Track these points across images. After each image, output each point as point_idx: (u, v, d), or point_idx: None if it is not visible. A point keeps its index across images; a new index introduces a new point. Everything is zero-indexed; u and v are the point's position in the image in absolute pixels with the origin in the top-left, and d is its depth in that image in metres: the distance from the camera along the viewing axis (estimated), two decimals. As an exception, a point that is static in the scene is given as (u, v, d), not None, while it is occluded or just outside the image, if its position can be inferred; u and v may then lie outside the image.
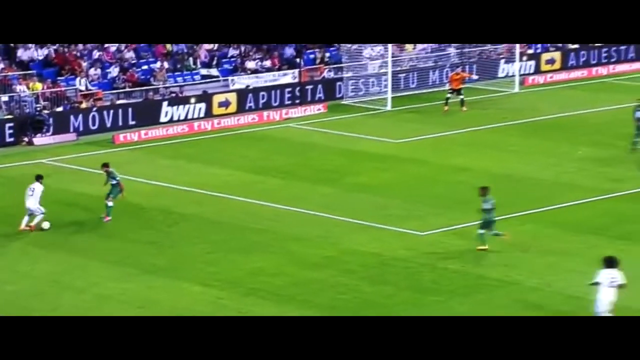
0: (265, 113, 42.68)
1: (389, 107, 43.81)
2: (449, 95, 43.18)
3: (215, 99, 42.87)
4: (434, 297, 24.43)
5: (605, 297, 21.33)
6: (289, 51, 46.96)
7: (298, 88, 44.38)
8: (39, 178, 29.38)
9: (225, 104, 42.97)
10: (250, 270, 26.25)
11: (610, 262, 21.53)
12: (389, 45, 44.56)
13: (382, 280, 25.57)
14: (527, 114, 42.02)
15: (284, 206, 30.94)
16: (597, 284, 21.50)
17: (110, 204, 29.61)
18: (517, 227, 28.63)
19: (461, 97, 42.96)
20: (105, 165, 30.30)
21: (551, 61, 50.19)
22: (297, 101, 44.02)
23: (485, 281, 25.46)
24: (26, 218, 28.85)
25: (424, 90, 45.94)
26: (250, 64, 45.74)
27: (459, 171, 34.65)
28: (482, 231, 26.98)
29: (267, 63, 46.03)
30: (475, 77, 44.75)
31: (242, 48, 46.60)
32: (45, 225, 28.96)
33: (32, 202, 28.85)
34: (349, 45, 46.17)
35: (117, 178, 29.90)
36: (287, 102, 43.94)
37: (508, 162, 35.61)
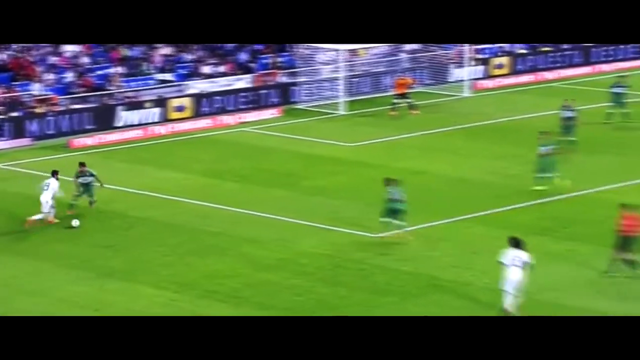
0: (220, 117, 42.57)
1: (342, 111, 43.89)
2: (395, 100, 43.35)
3: (170, 103, 42.69)
4: (387, 298, 24.51)
5: (512, 276, 22.49)
6: (244, 56, 46.89)
7: (253, 93, 44.32)
8: (54, 173, 29.60)
9: (181, 108, 42.80)
10: (205, 272, 26.17)
11: (516, 243, 22.63)
12: (342, 50, 44.65)
13: (336, 281, 25.61)
14: (476, 118, 42.29)
15: (239, 209, 30.88)
16: (502, 263, 22.60)
17: (74, 202, 29.80)
18: (467, 229, 28.79)
19: (409, 101, 43.15)
20: (82, 165, 30.64)
21: (500, 66, 50.56)
22: (252, 105, 43.96)
23: (438, 282, 25.58)
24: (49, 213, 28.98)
25: (378, 95, 46.06)
26: (205, 69, 45.60)
27: (411, 174, 34.76)
28: (386, 219, 27.46)
29: (222, 68, 45.91)
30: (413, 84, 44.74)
31: (198, 53, 46.44)
32: (75, 222, 29.08)
33: (46, 196, 28.90)
34: (303, 50, 46.18)
35: (94, 174, 30.25)
36: (241, 107, 43.86)
37: (459, 165, 35.80)
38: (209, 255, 27.35)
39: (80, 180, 30.33)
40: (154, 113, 42.11)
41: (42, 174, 34.50)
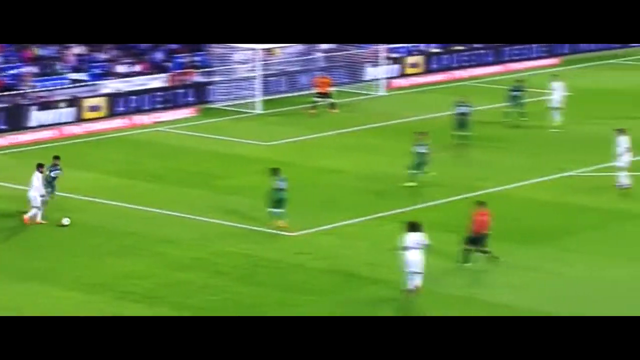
0: (135, 117, 42.09)
1: (258, 111, 43.74)
2: (315, 98, 43.40)
3: (84, 103, 42.07)
4: (304, 297, 24.46)
5: (413, 258, 23.59)
6: (159, 55, 46.44)
7: (168, 92, 43.90)
8: (40, 166, 29.49)
9: (95, 108, 42.21)
10: (121, 273, 25.85)
11: (414, 227, 23.80)
12: (258, 49, 44.51)
13: (253, 281, 25.49)
14: (390, 117, 42.51)
15: (155, 209, 30.56)
16: (405, 247, 23.61)
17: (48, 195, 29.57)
18: (381, 227, 28.89)
19: (329, 100, 43.23)
20: (56, 158, 30.59)
21: (414, 65, 50.91)
22: (167, 105, 43.56)
23: (354, 279, 25.62)
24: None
25: (294, 94, 46.01)
26: (120, 68, 45.04)
27: (327, 173, 34.84)
28: (273, 210, 28.06)
29: (137, 67, 45.40)
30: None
31: (112, 52, 45.87)
32: (65, 221, 28.90)
33: (32, 191, 28.94)
34: (219, 50, 45.92)
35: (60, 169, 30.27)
36: (157, 106, 43.43)
37: (373, 163, 35.94)
38: (125, 256, 27.01)
39: (53, 174, 30.22)
40: (68, 113, 41.45)
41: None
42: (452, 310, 23.21)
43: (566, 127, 40.08)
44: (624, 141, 31.92)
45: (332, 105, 43.24)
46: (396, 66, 49.96)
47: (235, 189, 32.82)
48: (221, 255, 27.14)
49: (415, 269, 23.51)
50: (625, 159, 31.71)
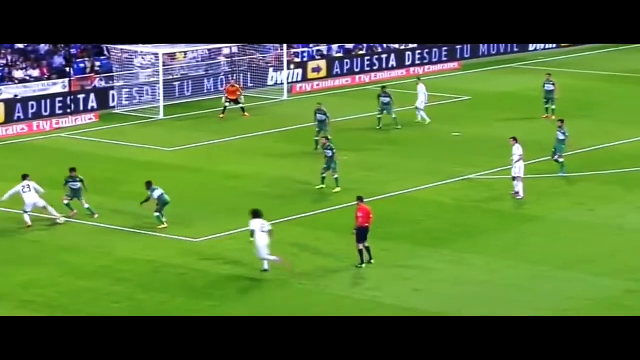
0: (35, 123, 41.66)
1: (161, 116, 43.68)
2: (226, 104, 43.59)
3: (-18, 109, 41.48)
4: (208, 302, 24.62)
5: (261, 242, 25.86)
6: (58, 60, 46.01)
7: (69, 97, 43.55)
8: (25, 177, 30.30)
9: (-7, 114, 41.64)
10: (21, 282, 25.68)
11: (257, 213, 26.22)
12: (161, 54, 44.46)
13: (156, 287, 25.56)
14: (294, 121, 42.83)
15: (60, 218, 30.29)
16: (252, 232, 25.93)
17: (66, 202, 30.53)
18: (287, 232, 29.16)
19: (240, 105, 43.55)
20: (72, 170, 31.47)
21: (317, 69, 51.35)
22: (69, 110, 43.20)
23: (258, 284, 25.86)
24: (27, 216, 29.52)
25: (198, 99, 46.03)
26: (17, 73, 44.50)
27: (231, 178, 35.02)
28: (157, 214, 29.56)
29: (36, 72, 44.92)
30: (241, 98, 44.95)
31: (9, 57, 45.28)
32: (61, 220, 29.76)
33: (32, 197, 29.67)
34: (120, 54, 45.71)
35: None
36: (58, 112, 43.05)
37: (278, 168, 36.22)
38: (25, 265, 26.82)
39: (70, 184, 30.76)
40: (-35, 119, 40.80)
41: None
42: (357, 312, 23.61)
43: (464, 131, 40.93)
44: (517, 149, 32.65)
45: (243, 110, 43.60)
46: (299, 70, 50.35)
47: (137, 196, 32.70)
48: (125, 262, 27.13)
49: (264, 254, 25.93)
50: (517, 167, 32.38)
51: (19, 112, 42.33)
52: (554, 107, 42.45)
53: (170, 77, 46.47)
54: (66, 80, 44.26)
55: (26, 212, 29.75)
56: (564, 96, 43.02)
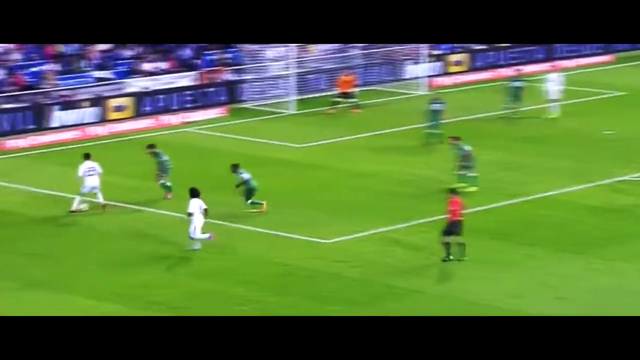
0: (162, 117, 42.47)
1: (292, 111, 43.96)
2: (337, 99, 43.58)
3: (109, 102, 42.52)
4: (336, 307, 24.62)
5: (199, 222, 27.26)
6: (187, 52, 46.78)
7: (197, 91, 44.23)
8: (88, 156, 31.39)
9: (121, 108, 42.64)
10: (144, 282, 26.14)
11: (196, 193, 27.64)
12: (292, 46, 44.74)
13: (284, 290, 25.69)
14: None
15: (178, 214, 30.79)
16: (191, 213, 27.25)
17: (168, 183, 31.91)
18: (422, 234, 28.98)
19: (352, 100, 43.45)
20: (150, 146, 32.80)
21: (458, 62, 50.90)
22: (197, 104, 43.90)
23: (388, 290, 25.75)
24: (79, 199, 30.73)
25: (329, 93, 46.16)
26: (146, 66, 45.45)
27: (362, 176, 34.97)
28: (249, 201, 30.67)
29: (164, 65, 45.78)
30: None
31: (137, 49, 46.29)
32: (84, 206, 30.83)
33: (94, 180, 30.77)
34: (251, 46, 46.19)
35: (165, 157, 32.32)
36: (186, 106, 43.79)
37: (412, 166, 36.01)
38: (148, 264, 27.30)
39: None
40: (91, 113, 41.91)
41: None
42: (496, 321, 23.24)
43: (618, 129, 39.96)
44: None
45: (356, 106, 43.47)
46: (439, 64, 49.97)
47: (266, 193, 32.97)
48: (251, 263, 27.36)
49: (197, 236, 27.36)
50: None
51: (147, 106, 43.23)
52: None
53: (302, 70, 46.72)
54: (195, 73, 44.99)
55: (83, 194, 30.66)
56: None
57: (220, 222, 30.23)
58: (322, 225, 29.96)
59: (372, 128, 41.09)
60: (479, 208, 31.30)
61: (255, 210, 30.53)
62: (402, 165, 36.16)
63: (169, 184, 32.01)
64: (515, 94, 41.45)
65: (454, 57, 50.85)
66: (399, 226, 29.45)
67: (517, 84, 41.68)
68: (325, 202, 32.22)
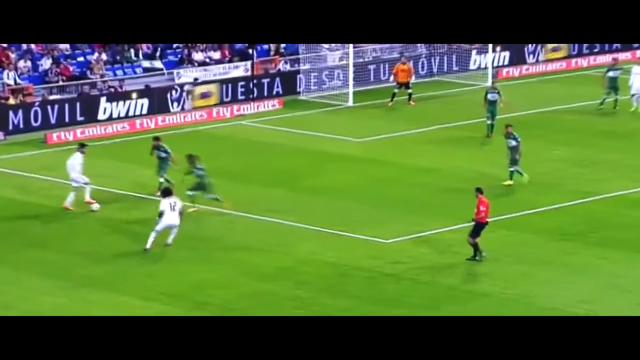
0: (214, 110, 42.53)
1: (350, 103, 43.82)
2: (395, 90, 43.34)
3: (159, 93, 42.63)
4: (398, 311, 24.43)
5: (169, 220, 27.88)
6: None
7: (252, 82, 44.24)
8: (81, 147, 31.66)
9: (171, 99, 42.72)
10: (196, 282, 26.15)
11: (168, 192, 28.38)
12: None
13: (341, 292, 25.55)
14: (499, 110, 42.08)
15: (233, 212, 30.82)
16: (162, 212, 27.81)
17: (161, 180, 31.84)
18: (488, 234, 28.65)
19: (409, 91, 43.20)
20: (156, 139, 32.86)
21: (532, 52, 50.38)
22: (250, 96, 43.90)
23: (455, 292, 25.52)
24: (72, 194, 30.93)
25: (389, 85, 45.91)
26: (197, 56, 45.56)
27: (425, 172, 34.73)
28: (192, 192, 30.69)
29: (217, 54, 45.85)
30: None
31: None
32: (95, 206, 30.94)
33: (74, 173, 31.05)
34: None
35: (168, 151, 32.24)
36: (239, 98, 43.81)
37: (478, 162, 35.70)
38: (200, 263, 27.31)
39: (156, 153, 32.31)
40: (141, 104, 42.08)
41: (15, 172, 34.48)
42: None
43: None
44: None
45: (410, 98, 43.21)
46: (506, 53, 49.52)
47: (322, 190, 32.92)
48: (307, 263, 27.27)
49: (158, 230, 27.87)
50: None
51: (202, 97, 43.28)
52: None
53: (362, 60, 46.54)
54: (248, 63, 45.00)
55: (75, 184, 30.97)
56: None
57: (275, 220, 30.15)
58: (380, 223, 29.79)
59: (434, 121, 40.82)
60: (549, 207, 30.93)
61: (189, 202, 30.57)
62: (465, 160, 35.84)
63: (162, 179, 31.97)
64: (613, 85, 40.95)
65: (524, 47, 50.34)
66: (460, 226, 29.15)
67: (612, 73, 41.13)
68: (384, 199, 32.04)
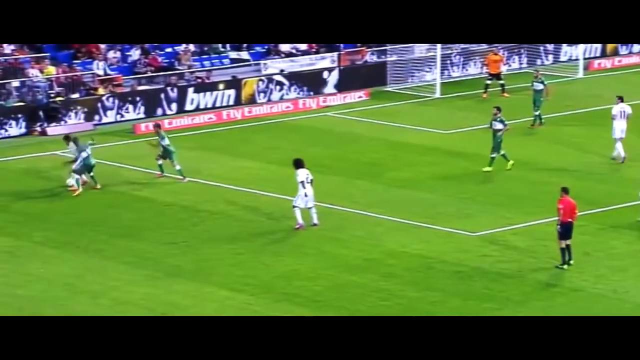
0: (301, 101, 42.67)
1: (438, 95, 43.66)
2: (488, 81, 43.05)
3: (246, 84, 42.90)
4: (486, 305, 24.34)
5: (309, 192, 28.34)
6: (328, 32, 46.85)
7: (338, 73, 44.27)
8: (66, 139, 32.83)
9: (258, 90, 42.94)
10: (283, 273, 26.30)
11: (301, 163, 28.68)
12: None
13: (428, 285, 25.53)
14: (591, 102, 41.67)
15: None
16: (302, 182, 28.34)
17: (160, 162, 33.02)
18: (579, 228, 28.35)
19: (501, 82, 42.90)
20: (156, 126, 33.94)
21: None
22: (337, 87, 43.95)
23: (544, 287, 25.34)
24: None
25: (478, 76, 45.63)
26: (284, 47, 45.72)
27: (514, 165, 34.45)
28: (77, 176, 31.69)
29: (303, 45, 45.98)
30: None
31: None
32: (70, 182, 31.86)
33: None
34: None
35: (166, 141, 33.01)
36: (325, 89, 43.88)
37: (568, 155, 35.37)
38: (287, 254, 27.46)
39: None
40: (228, 95, 42.39)
41: (104, 162, 35.00)
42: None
43: None
44: None
45: (502, 88, 42.89)
46: (598, 44, 48.90)
47: (409, 182, 32.88)
48: (394, 255, 27.27)
49: (311, 204, 28.42)
50: None
51: (284, 89, 43.45)
52: None
53: (449, 51, 46.33)
54: (335, 54, 45.06)
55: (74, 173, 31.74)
56: None
57: (361, 212, 30.19)
58: (467, 216, 29.70)
59: (523, 113, 40.45)
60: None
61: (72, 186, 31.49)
62: (556, 154, 35.48)
63: (160, 162, 33.05)
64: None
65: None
66: (550, 219, 28.89)
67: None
68: (471, 191, 31.89)
